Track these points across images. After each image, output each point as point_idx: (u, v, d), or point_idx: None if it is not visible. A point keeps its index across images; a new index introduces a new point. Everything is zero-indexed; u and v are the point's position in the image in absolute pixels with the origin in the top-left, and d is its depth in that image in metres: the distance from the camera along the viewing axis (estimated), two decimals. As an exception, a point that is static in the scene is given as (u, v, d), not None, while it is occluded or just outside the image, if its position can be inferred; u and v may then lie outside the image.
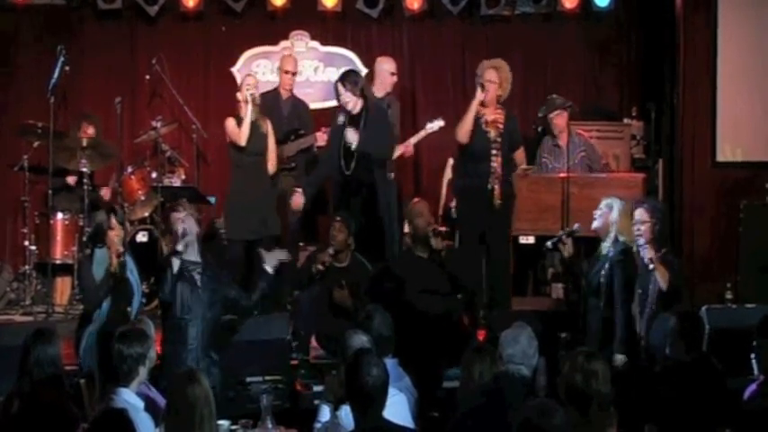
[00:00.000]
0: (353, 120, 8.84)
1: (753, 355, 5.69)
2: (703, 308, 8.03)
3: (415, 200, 9.13)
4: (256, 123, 8.97)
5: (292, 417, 6.38)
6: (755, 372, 5.67)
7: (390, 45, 11.15)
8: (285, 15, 11.04)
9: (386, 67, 9.92)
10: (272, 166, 9.15)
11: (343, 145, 8.80)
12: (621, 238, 7.79)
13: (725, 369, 5.81)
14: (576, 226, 8.16)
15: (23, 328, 7.83)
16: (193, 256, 7.18)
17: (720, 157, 10.35)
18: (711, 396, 5.39)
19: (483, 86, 8.89)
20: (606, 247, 7.80)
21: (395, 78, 9.96)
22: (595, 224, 7.89)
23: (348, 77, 8.90)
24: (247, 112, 8.93)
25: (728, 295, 9.70)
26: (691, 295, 8.83)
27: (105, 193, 10.08)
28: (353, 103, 8.77)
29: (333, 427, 5.42)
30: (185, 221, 7.17)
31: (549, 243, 8.15)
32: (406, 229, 9.15)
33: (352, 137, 8.74)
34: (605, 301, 7.69)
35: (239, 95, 9.01)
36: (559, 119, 9.74)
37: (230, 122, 8.99)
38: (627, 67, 11.23)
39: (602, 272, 7.73)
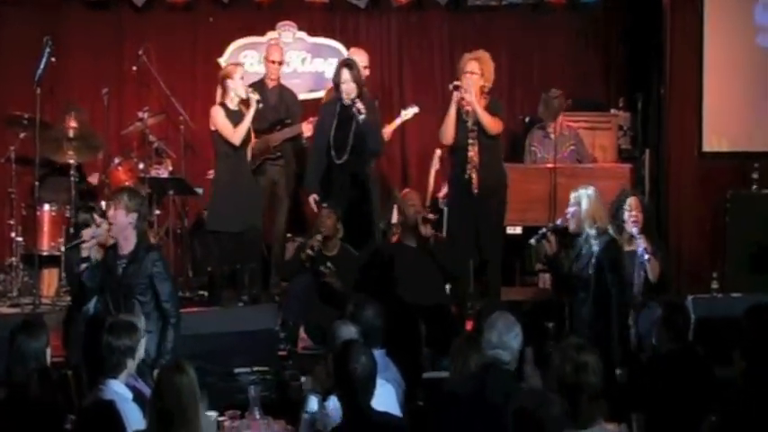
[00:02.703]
0: (345, 110, 8.83)
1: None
2: (689, 298, 8.06)
3: (406, 190, 9.15)
4: (241, 113, 8.96)
5: (280, 407, 6.39)
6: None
7: (378, 36, 11.17)
8: (272, 6, 11.04)
9: (358, 60, 9.79)
10: (249, 153, 9.14)
11: (334, 132, 8.77)
12: (598, 226, 7.74)
13: (711, 358, 5.84)
14: (558, 221, 8.13)
15: (10, 319, 7.80)
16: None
17: (706, 147, 10.38)
18: (697, 385, 5.41)
19: (458, 87, 8.81)
20: (591, 239, 7.76)
21: (367, 72, 9.83)
22: (572, 226, 7.84)
23: (354, 67, 8.87)
24: (249, 114, 8.90)
25: (714, 285, 9.70)
26: (677, 285, 8.84)
27: (93, 179, 10.05)
28: (353, 93, 8.73)
29: (321, 417, 5.43)
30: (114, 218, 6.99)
31: (533, 240, 8.13)
32: (394, 219, 9.18)
33: (363, 109, 8.66)
34: (595, 295, 7.67)
35: (232, 85, 8.97)
36: (557, 122, 9.76)
37: (219, 114, 8.97)
38: (614, 58, 11.24)
39: (592, 263, 7.71)
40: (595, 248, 7.68)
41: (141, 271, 6.82)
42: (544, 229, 8.06)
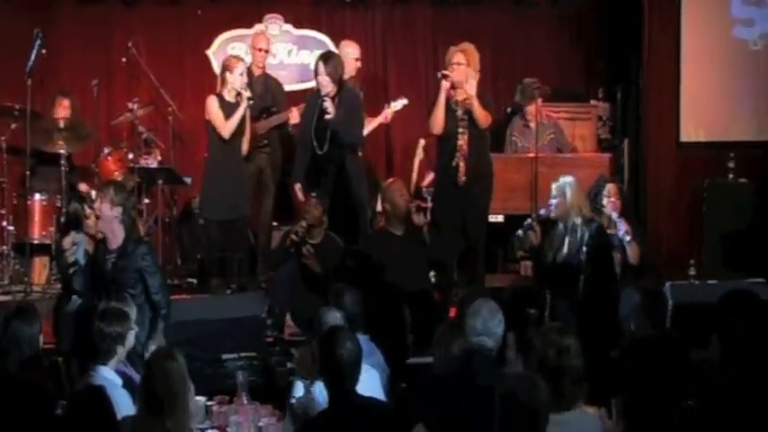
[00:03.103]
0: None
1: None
2: (667, 284, 8.06)
3: (391, 179, 9.14)
4: (236, 104, 8.94)
5: (267, 392, 6.39)
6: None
7: (363, 29, 11.15)
8: (259, -1, 11.04)
9: (350, 51, 9.87)
10: (246, 147, 9.12)
11: (315, 123, 8.76)
12: (584, 214, 7.75)
13: (688, 343, 5.85)
14: (542, 211, 8.12)
15: (2, 306, 7.82)
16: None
17: (684, 138, 10.41)
18: (675, 369, 5.41)
19: (446, 76, 8.82)
20: (578, 228, 7.76)
21: (359, 64, 9.92)
22: (554, 214, 7.85)
23: (330, 60, 8.82)
24: (240, 110, 8.89)
25: (692, 272, 9.72)
26: (655, 271, 8.86)
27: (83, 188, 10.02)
28: (329, 86, 8.69)
29: (307, 402, 5.43)
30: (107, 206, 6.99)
31: (520, 231, 8.12)
32: (379, 207, 9.18)
33: (330, 108, 8.66)
34: (588, 280, 7.66)
35: (231, 78, 8.95)
36: (533, 107, 9.75)
37: (214, 104, 8.96)
38: (594, 51, 11.24)
39: (583, 251, 7.69)
40: (585, 236, 7.68)
41: (130, 265, 6.86)
42: (530, 220, 8.06)
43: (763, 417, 4.31)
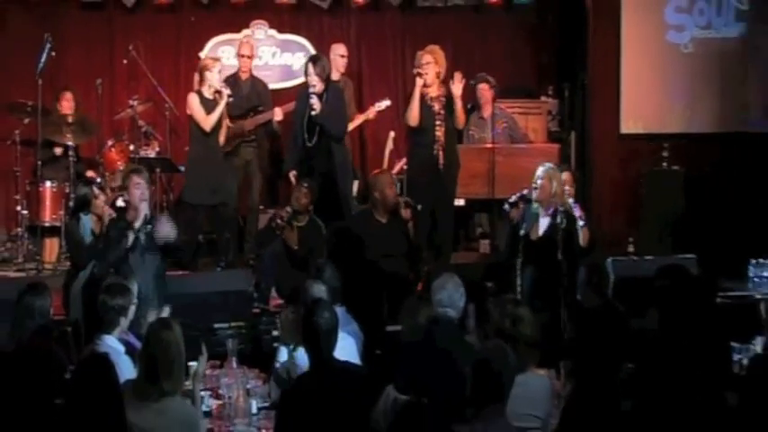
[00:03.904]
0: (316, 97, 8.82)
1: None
2: (609, 260, 8.09)
3: (380, 170, 9.11)
4: (215, 101, 8.89)
5: (254, 358, 6.38)
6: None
7: (339, 33, 11.10)
8: (246, 7, 10.98)
9: (338, 51, 9.96)
10: (222, 139, 9.08)
11: (306, 118, 8.72)
12: (563, 203, 7.75)
13: (628, 312, 5.87)
14: (525, 191, 8.04)
15: (16, 282, 7.78)
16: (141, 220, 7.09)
17: (624, 130, 10.43)
18: (617, 336, 5.43)
19: (420, 75, 8.83)
20: (556, 213, 7.72)
21: (345, 60, 9.99)
22: (535, 194, 7.81)
23: (318, 62, 8.78)
24: (220, 106, 8.83)
25: (630, 249, 9.79)
26: (597, 249, 8.87)
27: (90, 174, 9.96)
28: (317, 84, 8.65)
29: (290, 366, 5.41)
30: (142, 187, 7.08)
31: (506, 206, 8.08)
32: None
33: (316, 105, 8.62)
34: (548, 259, 7.66)
35: (210, 76, 8.88)
36: (484, 90, 9.77)
37: (195, 100, 8.90)
38: (544, 52, 11.25)
39: (554, 234, 7.67)
40: (559, 221, 7.64)
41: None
42: (515, 197, 7.98)
43: (693, 377, 4.32)
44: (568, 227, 7.63)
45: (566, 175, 8.16)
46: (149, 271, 7.11)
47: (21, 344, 5.52)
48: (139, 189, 7.07)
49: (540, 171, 7.78)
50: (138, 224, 7.03)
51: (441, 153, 8.79)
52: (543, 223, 7.72)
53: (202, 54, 10.72)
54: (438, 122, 8.83)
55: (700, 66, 10.41)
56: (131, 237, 7.01)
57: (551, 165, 7.92)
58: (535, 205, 7.75)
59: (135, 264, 7.05)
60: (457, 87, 8.83)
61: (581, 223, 7.76)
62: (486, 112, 9.79)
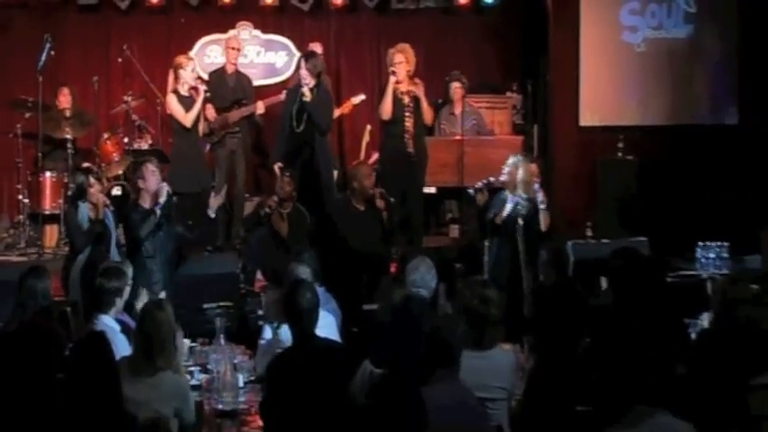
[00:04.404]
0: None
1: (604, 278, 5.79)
2: (569, 242, 8.10)
3: (358, 161, 9.11)
4: (192, 98, 8.86)
5: (241, 335, 6.36)
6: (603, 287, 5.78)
7: (319, 33, 11.07)
8: (233, 9, 10.94)
9: (316, 50, 9.87)
10: (201, 129, 9.08)
11: (297, 105, 8.69)
12: (528, 192, 7.75)
13: (585, 290, 5.88)
14: (491, 178, 8.06)
15: (19, 266, 7.73)
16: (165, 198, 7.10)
17: (583, 123, 10.44)
18: (576, 313, 5.44)
19: (394, 72, 8.89)
20: (519, 200, 7.73)
21: (322, 58, 9.90)
22: (503, 177, 7.83)
23: (311, 59, 8.77)
24: (198, 102, 8.79)
25: (588, 233, 9.81)
26: (558, 232, 8.89)
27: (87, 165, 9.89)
28: (308, 78, 8.63)
29: (274, 342, 5.41)
30: (158, 173, 7.12)
31: (471, 190, 8.08)
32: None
33: (307, 92, 8.61)
34: (513, 242, 7.67)
35: (184, 74, 8.81)
36: (456, 88, 9.76)
37: (173, 100, 8.86)
38: (509, 51, 11.24)
39: (515, 221, 7.69)
40: (520, 209, 7.65)
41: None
42: (480, 184, 7.99)
43: (645, 351, 4.33)
44: (530, 212, 7.65)
45: (534, 167, 8.16)
46: (165, 252, 7.10)
47: (23, 323, 5.50)
48: (155, 176, 7.09)
49: (510, 160, 7.83)
50: (162, 199, 7.01)
51: (411, 142, 8.84)
52: (508, 208, 7.74)
53: (192, 53, 10.66)
54: (407, 114, 8.89)
55: (651, 64, 10.44)
56: (153, 219, 7.00)
57: (521, 155, 7.93)
58: (505, 192, 7.77)
59: (154, 246, 7.03)
60: (419, 90, 8.96)
61: (542, 206, 7.78)
62: (458, 109, 9.79)
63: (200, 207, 9.04)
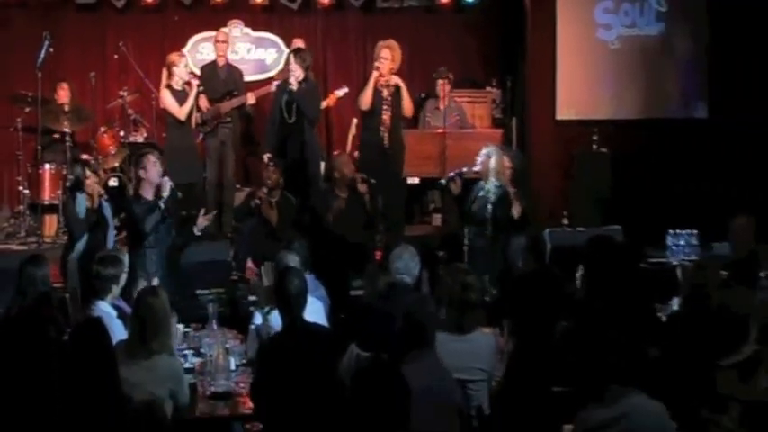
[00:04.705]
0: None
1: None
2: (546, 230, 8.12)
3: (338, 152, 9.10)
4: (185, 93, 8.87)
5: (232, 320, 6.35)
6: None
7: (307, 30, 11.01)
8: (224, 7, 10.87)
9: (299, 46, 9.83)
10: (193, 121, 9.08)
11: (286, 97, 8.71)
12: (498, 183, 7.76)
13: (562, 276, 5.89)
14: (464, 169, 8.07)
15: (19, 254, 7.72)
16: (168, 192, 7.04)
17: (559, 117, 10.43)
18: (553, 297, 5.45)
19: (378, 68, 8.88)
20: (489, 188, 7.75)
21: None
22: (476, 167, 7.86)
23: (299, 54, 8.86)
24: (192, 96, 8.82)
25: (565, 221, 9.82)
26: (536, 221, 8.90)
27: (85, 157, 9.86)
28: (298, 72, 8.68)
29: (264, 327, 5.39)
30: (159, 165, 7.06)
31: (443, 180, 8.09)
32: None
33: (294, 82, 8.65)
34: (492, 230, 7.66)
35: (177, 71, 8.85)
36: (443, 85, 9.72)
37: (167, 95, 8.88)
38: (489, 48, 11.22)
39: (488, 207, 7.69)
40: (492, 197, 7.66)
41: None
42: (453, 174, 8.00)
43: (618, 334, 4.33)
44: (501, 199, 7.67)
45: (507, 160, 8.16)
46: (164, 243, 7.06)
47: (25, 309, 5.48)
48: (156, 166, 7.01)
49: (482, 150, 7.83)
50: (165, 194, 6.95)
51: (386, 135, 8.84)
52: (482, 197, 7.76)
53: (185, 50, 10.62)
54: (385, 107, 8.88)
55: (625, 60, 10.44)
56: (157, 214, 6.93)
57: (494, 146, 7.93)
58: (481, 182, 7.78)
59: (156, 237, 6.97)
60: (403, 86, 8.97)
61: (512, 192, 7.81)
62: (443, 104, 9.74)
63: (192, 198, 9.06)
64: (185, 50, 10.61)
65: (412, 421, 3.48)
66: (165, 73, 9.19)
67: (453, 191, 7.95)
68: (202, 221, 7.18)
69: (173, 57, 9.09)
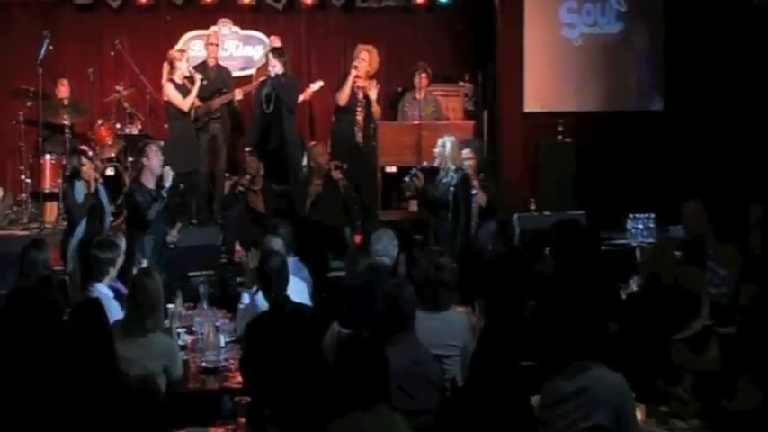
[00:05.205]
0: (271, 79, 9.04)
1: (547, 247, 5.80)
2: (515, 215, 8.13)
3: (314, 143, 9.10)
4: (186, 86, 8.88)
5: (222, 300, 6.34)
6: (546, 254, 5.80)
7: (291, 29, 10.98)
8: (214, 7, 10.77)
9: (275, 44, 10.00)
10: (193, 114, 9.11)
11: (265, 90, 8.85)
12: (455, 166, 7.75)
13: (530, 258, 5.89)
14: (424, 163, 8.09)
15: (22, 239, 7.66)
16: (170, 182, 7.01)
17: (527, 109, 10.43)
18: (521, 277, 5.46)
19: (356, 67, 9.04)
20: (450, 174, 7.75)
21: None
22: (436, 162, 7.84)
23: (277, 51, 9.13)
24: (195, 88, 8.88)
25: (532, 207, 9.84)
26: (506, 206, 8.91)
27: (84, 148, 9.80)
28: (277, 67, 8.86)
29: (251, 307, 5.38)
30: (160, 154, 7.01)
31: (406, 178, 8.08)
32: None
33: (272, 70, 8.90)
34: (452, 213, 7.66)
35: (179, 65, 8.91)
36: (422, 78, 9.70)
37: (170, 88, 8.88)
38: (462, 45, 11.20)
39: (450, 191, 7.69)
40: (453, 181, 7.66)
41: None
42: (414, 170, 8.03)
43: (581, 312, 4.34)
44: (462, 183, 7.66)
45: (467, 152, 8.11)
46: (161, 228, 7.02)
47: (27, 290, 5.40)
48: (158, 156, 6.96)
49: (438, 141, 7.83)
50: (167, 184, 6.89)
51: (360, 134, 9.07)
52: (445, 183, 7.76)
53: (177, 47, 10.56)
54: (359, 108, 9.08)
55: (587, 57, 10.45)
56: (161, 204, 6.87)
57: (448, 137, 7.92)
58: (442, 172, 7.78)
59: (155, 224, 6.92)
60: (373, 93, 9.20)
61: (474, 190, 7.81)
62: (420, 95, 9.74)
63: (190, 184, 9.07)
64: (177, 48, 10.55)
65: (395, 399, 3.49)
66: (166, 68, 9.23)
67: (417, 185, 7.95)
68: (172, 237, 7.12)
69: (174, 53, 9.17)
